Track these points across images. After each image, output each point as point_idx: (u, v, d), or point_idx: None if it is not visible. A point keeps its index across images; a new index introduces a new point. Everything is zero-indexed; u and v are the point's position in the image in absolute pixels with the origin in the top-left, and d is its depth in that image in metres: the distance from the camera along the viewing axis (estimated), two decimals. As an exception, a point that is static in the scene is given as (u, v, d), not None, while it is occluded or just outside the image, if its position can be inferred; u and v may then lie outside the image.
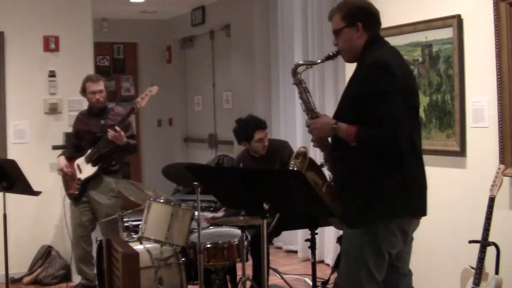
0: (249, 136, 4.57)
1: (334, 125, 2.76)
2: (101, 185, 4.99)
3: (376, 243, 2.72)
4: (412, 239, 2.92)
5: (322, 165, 2.96)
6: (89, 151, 4.94)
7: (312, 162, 2.97)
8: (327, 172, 2.99)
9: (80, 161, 4.99)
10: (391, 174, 2.69)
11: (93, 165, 4.94)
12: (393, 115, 2.63)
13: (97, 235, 5.06)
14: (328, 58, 2.97)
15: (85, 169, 4.96)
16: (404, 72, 2.75)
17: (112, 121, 4.96)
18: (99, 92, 4.98)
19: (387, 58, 2.73)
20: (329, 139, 2.92)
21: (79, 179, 4.96)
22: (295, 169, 2.94)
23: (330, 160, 2.92)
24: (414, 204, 2.76)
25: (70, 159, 5.06)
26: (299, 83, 3.00)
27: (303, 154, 2.99)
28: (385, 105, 2.63)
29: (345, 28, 2.85)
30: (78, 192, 4.96)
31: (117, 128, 4.77)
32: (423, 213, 2.86)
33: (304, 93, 2.99)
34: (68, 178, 5.03)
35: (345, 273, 2.86)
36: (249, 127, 4.57)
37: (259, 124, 4.60)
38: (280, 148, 4.72)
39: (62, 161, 5.03)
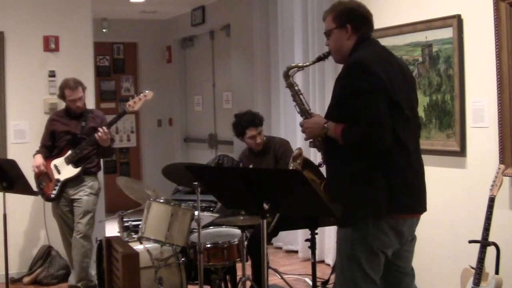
0: (241, 133, 4.72)
1: (324, 125, 2.81)
2: (80, 184, 4.98)
3: (366, 241, 2.72)
4: (414, 238, 2.91)
5: (320, 165, 2.98)
6: (69, 152, 4.92)
7: (307, 161, 3.00)
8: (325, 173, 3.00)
9: (58, 162, 4.96)
10: (376, 173, 2.69)
11: (75, 166, 4.93)
12: (369, 112, 2.65)
13: (96, 235, 5.07)
14: (319, 59, 3.02)
15: (65, 170, 4.94)
16: (387, 69, 2.74)
17: (92, 123, 5.00)
18: (78, 99, 5.00)
19: (365, 57, 2.75)
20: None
21: (57, 180, 4.94)
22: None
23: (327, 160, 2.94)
24: (402, 201, 2.73)
25: (45, 159, 5.03)
26: (291, 86, 3.04)
27: (300, 156, 3.00)
28: (361, 103, 2.66)
29: (335, 29, 2.89)
30: (56, 193, 4.93)
31: (105, 130, 4.78)
32: (417, 210, 2.83)
33: (297, 95, 3.03)
34: (43, 178, 4.98)
35: (340, 271, 2.86)
36: (240, 124, 4.69)
37: (252, 122, 4.69)
38: (277, 146, 4.79)
39: (40, 159, 4.98)
